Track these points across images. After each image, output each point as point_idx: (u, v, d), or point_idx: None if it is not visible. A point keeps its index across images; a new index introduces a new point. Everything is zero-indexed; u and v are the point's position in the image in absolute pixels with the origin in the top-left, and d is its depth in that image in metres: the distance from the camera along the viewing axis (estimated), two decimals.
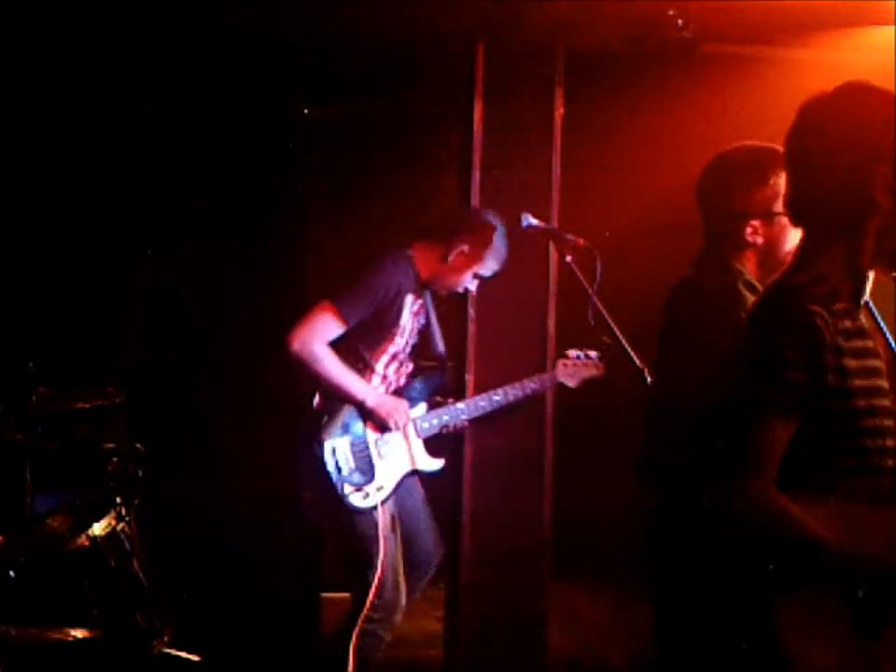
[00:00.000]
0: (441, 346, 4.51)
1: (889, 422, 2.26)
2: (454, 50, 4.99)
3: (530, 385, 4.47)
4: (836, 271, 2.27)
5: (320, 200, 5.46)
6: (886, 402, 2.26)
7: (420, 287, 4.33)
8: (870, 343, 2.28)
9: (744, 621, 2.22)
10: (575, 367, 4.54)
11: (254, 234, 5.32)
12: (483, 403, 4.43)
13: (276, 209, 5.34)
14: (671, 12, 4.69)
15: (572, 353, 4.55)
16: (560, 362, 4.55)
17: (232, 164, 5.27)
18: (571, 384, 4.54)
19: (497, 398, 4.43)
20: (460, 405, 4.44)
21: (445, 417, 4.40)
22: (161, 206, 5.26)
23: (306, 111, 5.44)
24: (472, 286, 4.42)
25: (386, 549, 4.18)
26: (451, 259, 4.31)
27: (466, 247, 4.30)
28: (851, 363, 2.21)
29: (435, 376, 4.49)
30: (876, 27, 4.74)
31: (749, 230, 2.94)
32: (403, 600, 4.28)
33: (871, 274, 2.35)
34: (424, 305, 4.39)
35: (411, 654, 4.86)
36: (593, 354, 4.52)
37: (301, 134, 5.39)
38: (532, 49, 4.88)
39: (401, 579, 4.27)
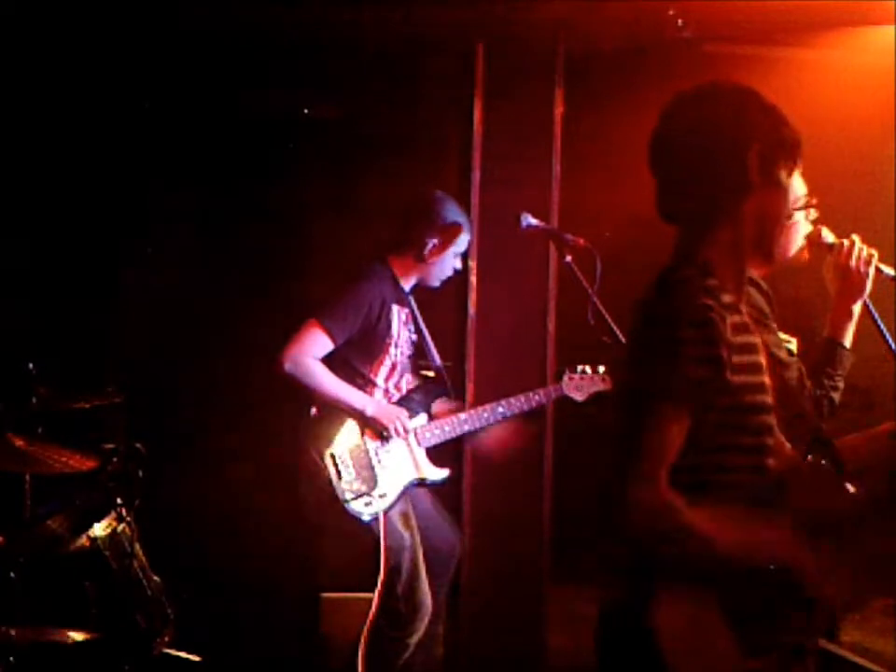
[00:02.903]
0: (436, 357, 4.50)
1: (770, 419, 2.21)
2: (454, 50, 4.99)
3: (535, 397, 4.44)
4: (719, 261, 2.21)
5: (320, 200, 5.45)
6: (768, 399, 2.21)
7: (403, 297, 4.38)
8: (753, 339, 2.22)
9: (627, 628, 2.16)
10: (582, 381, 4.50)
11: (254, 234, 5.32)
12: (486, 415, 4.40)
13: (276, 209, 5.33)
14: (671, 12, 4.69)
15: (579, 367, 4.51)
16: (567, 376, 4.50)
17: (232, 164, 5.27)
18: (579, 397, 4.50)
19: (500, 409, 4.39)
20: (462, 416, 4.41)
21: (447, 428, 4.39)
22: (160, 206, 5.26)
23: (306, 111, 5.44)
24: (458, 264, 4.48)
25: (409, 556, 4.21)
26: (427, 256, 4.36)
27: (434, 240, 4.35)
28: (739, 359, 2.14)
29: (434, 386, 4.48)
30: (876, 27, 4.73)
31: None
32: (429, 603, 4.31)
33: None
34: (411, 315, 4.41)
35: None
36: (601, 368, 4.49)
37: (301, 134, 5.39)
38: (532, 49, 4.88)
39: (425, 585, 4.29)
